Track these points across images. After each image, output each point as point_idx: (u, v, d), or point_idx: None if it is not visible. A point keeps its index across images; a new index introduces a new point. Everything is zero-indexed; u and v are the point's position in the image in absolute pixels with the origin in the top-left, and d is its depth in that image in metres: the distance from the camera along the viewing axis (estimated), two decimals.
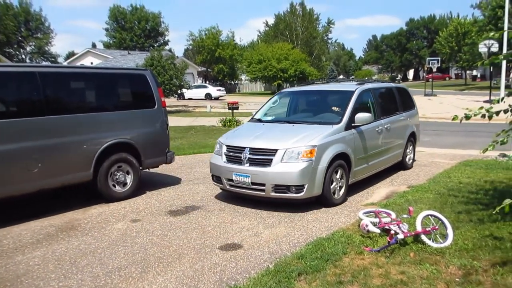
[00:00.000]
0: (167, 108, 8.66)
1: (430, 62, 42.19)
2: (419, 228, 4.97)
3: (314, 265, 4.50)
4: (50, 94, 6.72)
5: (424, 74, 61.72)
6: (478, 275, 4.13)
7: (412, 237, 5.01)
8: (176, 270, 4.64)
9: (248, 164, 6.75)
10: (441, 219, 5.20)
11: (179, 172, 9.97)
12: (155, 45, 66.48)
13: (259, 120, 8.42)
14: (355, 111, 7.40)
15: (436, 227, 5.06)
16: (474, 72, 69.08)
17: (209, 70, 60.81)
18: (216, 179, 7.39)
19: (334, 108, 7.82)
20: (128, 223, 6.30)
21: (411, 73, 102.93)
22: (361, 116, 7.30)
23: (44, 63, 58.99)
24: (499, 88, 30.15)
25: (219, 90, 47.49)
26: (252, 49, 67.23)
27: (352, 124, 7.29)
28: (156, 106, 8.21)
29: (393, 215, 5.60)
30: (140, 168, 7.96)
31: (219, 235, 5.70)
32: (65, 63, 55.36)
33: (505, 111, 5.00)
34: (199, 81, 58.49)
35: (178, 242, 5.46)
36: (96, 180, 7.22)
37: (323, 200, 6.80)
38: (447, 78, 74.50)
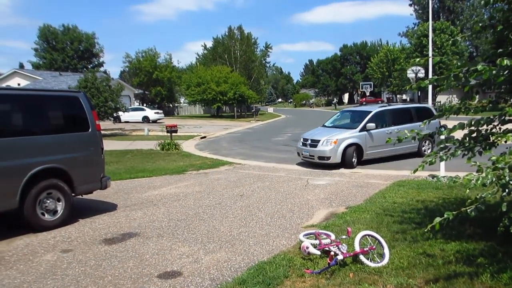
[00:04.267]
0: (102, 132, 8.42)
1: (364, 86, 44.37)
2: (357, 248, 5.11)
3: None
4: None
5: (358, 97, 64.60)
6: None
7: (351, 257, 5.13)
8: None
9: (309, 146, 13.70)
10: (378, 238, 5.38)
11: (115, 198, 9.65)
12: (89, 67, 64.67)
13: (324, 126, 15.35)
14: (368, 122, 13.64)
15: (374, 246, 5.22)
16: (404, 96, 73.16)
17: (146, 92, 59.78)
18: (298, 154, 14.41)
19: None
20: (59, 254, 5.96)
21: (346, 97, 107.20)
22: (369, 125, 13.57)
23: None
24: None
25: (157, 113, 46.73)
26: (190, 71, 67.12)
27: (365, 129, 13.54)
28: (90, 130, 7.95)
29: (333, 236, 5.72)
30: (73, 194, 7.62)
31: (158, 262, 5.53)
32: None
33: (431, 135, 5.34)
34: (136, 104, 57.26)
35: (114, 272, 5.23)
36: (22, 209, 6.80)
37: (342, 165, 13.11)
38: (379, 102, 78.29)
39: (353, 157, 13.26)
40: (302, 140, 14.24)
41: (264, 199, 9.17)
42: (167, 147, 19.10)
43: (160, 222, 7.50)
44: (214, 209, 8.41)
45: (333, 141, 13.10)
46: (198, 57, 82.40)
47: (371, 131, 13.59)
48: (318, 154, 13.29)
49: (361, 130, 13.53)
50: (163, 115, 48.25)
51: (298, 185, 10.63)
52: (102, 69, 70.09)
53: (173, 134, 20.33)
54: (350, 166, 13.13)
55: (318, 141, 13.40)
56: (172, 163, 15.11)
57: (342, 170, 12.70)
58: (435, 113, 12.16)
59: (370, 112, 14.17)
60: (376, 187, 9.94)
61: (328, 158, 13.05)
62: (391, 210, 7.59)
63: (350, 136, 13.38)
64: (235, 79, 55.11)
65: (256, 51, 75.13)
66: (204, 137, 27.49)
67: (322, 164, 13.28)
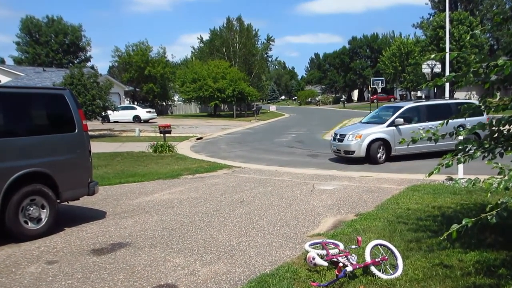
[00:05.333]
0: (90, 132, 8.46)
1: (375, 82, 44.25)
2: (368, 259, 5.12)
3: None
4: None
5: (369, 94, 64.56)
6: None
7: (361, 269, 5.14)
8: None
9: (337, 141, 15.27)
10: (390, 248, 5.39)
11: (103, 204, 9.66)
12: (75, 62, 64.79)
13: (360, 121, 16.99)
14: (397, 117, 14.77)
15: (386, 257, 5.23)
16: (419, 93, 73.15)
17: (137, 89, 59.82)
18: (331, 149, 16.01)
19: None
20: (43, 266, 5.98)
21: (355, 94, 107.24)
22: (398, 120, 14.68)
23: None
24: None
25: (149, 112, 46.79)
26: (185, 67, 67.24)
27: (394, 124, 14.64)
28: (76, 130, 7.97)
29: (341, 246, 5.73)
30: (58, 201, 7.64)
31: (150, 275, 5.55)
32: None
33: (451, 134, 5.34)
34: (126, 102, 57.36)
35: (103, 286, 5.24)
36: (3, 217, 6.82)
37: (367, 160, 14.49)
38: (392, 99, 78.29)
39: (378, 152, 14.50)
40: (333, 134, 16.27)
41: (266, 205, 9.18)
42: (160, 149, 19.13)
43: (153, 231, 7.51)
44: (211, 216, 8.42)
45: (357, 136, 14.60)
46: (193, 50, 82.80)
47: (400, 126, 14.58)
48: (343, 148, 14.97)
49: (389, 126, 14.73)
50: (155, 114, 48.31)
51: (303, 190, 10.64)
52: (89, 64, 70.32)
53: (166, 135, 20.35)
54: (375, 161, 14.40)
55: (345, 135, 15.01)
56: (166, 167, 15.13)
57: (351, 173, 12.72)
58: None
59: (401, 107, 15.38)
60: (389, 192, 9.95)
61: (353, 152, 14.64)
62: (404, 217, 7.59)
63: (376, 131, 14.72)
64: (234, 75, 55.20)
65: (257, 44, 75.37)
66: (201, 138, 27.52)
67: (348, 158, 14.98)
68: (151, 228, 7.72)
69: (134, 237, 7.20)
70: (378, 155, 14.52)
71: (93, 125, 34.22)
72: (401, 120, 14.68)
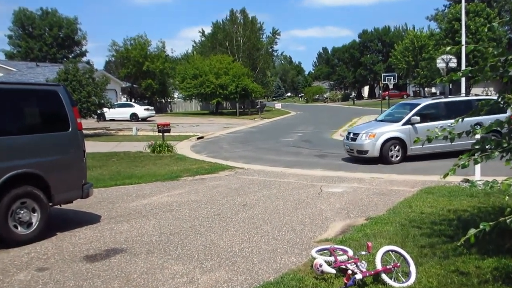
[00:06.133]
0: (84, 131, 8.46)
1: (386, 78, 44.06)
2: (379, 266, 5.08)
3: None
4: None
5: (380, 91, 64.42)
6: None
7: (371, 276, 5.10)
8: None
9: (350, 140, 15.40)
10: (403, 255, 5.35)
11: (98, 208, 9.66)
12: (70, 56, 65.03)
13: (376, 119, 17.39)
14: (413, 115, 14.71)
15: (398, 264, 5.19)
16: (433, 89, 72.93)
17: (135, 86, 59.98)
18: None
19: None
20: (33, 273, 5.97)
21: (366, 90, 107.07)
22: (414, 118, 14.64)
23: None
24: None
25: (147, 109, 46.92)
26: (186, 62, 67.30)
27: (410, 122, 14.60)
28: (70, 129, 7.97)
29: (350, 252, 5.69)
30: (50, 204, 7.63)
31: (147, 283, 5.53)
32: None
33: (468, 133, 5.29)
34: (123, 99, 57.45)
35: None
36: None
37: (380, 160, 14.55)
38: (405, 96, 78.07)
39: (392, 152, 14.62)
40: (346, 133, 16.62)
41: (271, 209, 9.16)
42: (158, 149, 19.14)
43: (150, 236, 7.50)
44: (212, 221, 8.40)
45: (371, 135, 14.72)
46: (195, 45, 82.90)
47: (417, 125, 14.56)
48: (356, 148, 15.10)
49: (405, 124, 14.76)
50: (154, 112, 48.40)
51: (310, 192, 10.61)
52: (84, 59, 70.53)
53: (165, 134, 20.37)
54: (387, 161, 14.51)
55: (358, 134, 15.12)
56: (164, 168, 15.13)
57: (361, 175, 12.67)
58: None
59: (418, 104, 15.36)
60: (401, 195, 9.91)
61: (366, 152, 14.75)
62: (418, 222, 7.55)
63: (390, 130, 14.81)
64: (238, 70, 55.21)
65: (262, 37, 75.35)
66: (202, 137, 27.55)
67: (361, 158, 15.08)
68: (148, 233, 7.71)
69: (130, 243, 7.19)
70: (393, 155, 14.59)
71: (88, 123, 34.34)
72: (418, 118, 14.63)
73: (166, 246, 6.96)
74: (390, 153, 14.55)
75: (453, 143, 13.34)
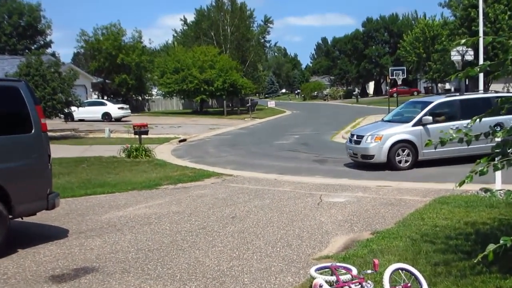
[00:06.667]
0: (50, 133, 8.43)
1: (394, 72, 44.20)
2: (387, 286, 5.09)
3: None
4: None
5: (387, 87, 64.63)
6: None
7: None
8: None
9: (353, 143, 15.38)
10: (414, 273, 5.36)
11: (65, 221, 9.62)
12: (33, 48, 64.54)
13: (382, 120, 17.35)
14: (425, 115, 14.68)
15: (409, 284, 5.21)
16: (447, 86, 73.33)
17: (107, 81, 59.77)
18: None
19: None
20: None
21: (371, 86, 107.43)
22: (426, 118, 14.59)
23: None
24: None
25: (122, 108, 46.79)
26: (166, 54, 67.28)
27: (421, 123, 14.60)
28: (33, 131, 7.93)
29: (354, 271, 5.70)
30: (10, 217, 7.58)
31: None
32: None
33: (486, 134, 5.32)
34: (94, 96, 57.33)
35: None
36: None
37: (388, 165, 14.51)
38: (415, 93, 78.38)
39: (401, 156, 14.61)
40: (349, 136, 16.48)
41: (263, 222, 9.16)
42: (134, 153, 19.09)
43: (126, 253, 7.48)
44: (197, 235, 8.40)
45: (377, 137, 14.62)
46: (176, 34, 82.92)
47: (429, 125, 14.57)
48: (361, 152, 15.08)
49: (415, 125, 14.76)
50: (129, 111, 48.27)
51: (309, 203, 10.63)
52: (49, 50, 70.08)
53: (142, 136, 20.38)
54: (396, 167, 14.50)
55: (362, 136, 15.05)
56: (142, 175, 15.10)
57: (366, 182, 12.72)
58: None
59: (430, 103, 15.33)
60: (412, 206, 9.94)
61: (371, 156, 14.71)
62: (431, 236, 7.58)
63: (399, 131, 14.82)
64: (225, 64, 55.27)
65: (253, 26, 75.61)
66: (184, 140, 27.54)
67: (366, 164, 15.06)
68: (123, 249, 7.68)
69: (102, 261, 7.16)
70: (402, 160, 14.58)
71: (54, 124, 34.15)
72: (430, 118, 14.62)
73: (144, 265, 6.94)
74: (398, 157, 14.53)
75: (470, 146, 13.16)
